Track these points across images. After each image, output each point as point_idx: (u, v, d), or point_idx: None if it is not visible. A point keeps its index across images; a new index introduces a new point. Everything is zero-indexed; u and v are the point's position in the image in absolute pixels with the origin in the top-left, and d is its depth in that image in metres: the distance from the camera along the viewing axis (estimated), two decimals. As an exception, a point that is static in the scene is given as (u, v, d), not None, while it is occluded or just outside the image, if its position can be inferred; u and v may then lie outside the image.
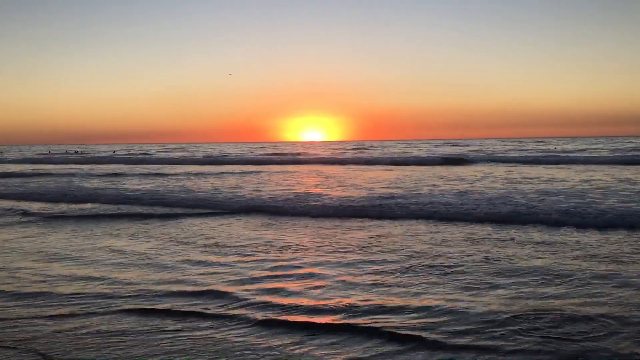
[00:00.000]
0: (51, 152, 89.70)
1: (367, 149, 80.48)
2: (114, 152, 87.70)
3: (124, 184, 24.82)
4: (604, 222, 12.56)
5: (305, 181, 25.39)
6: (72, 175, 32.49)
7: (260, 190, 20.51)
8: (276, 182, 24.65)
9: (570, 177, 24.92)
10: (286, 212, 15.49)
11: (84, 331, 6.09)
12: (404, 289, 7.41)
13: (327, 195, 18.52)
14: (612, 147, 62.64)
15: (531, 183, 21.81)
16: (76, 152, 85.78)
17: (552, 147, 71.59)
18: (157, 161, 54.01)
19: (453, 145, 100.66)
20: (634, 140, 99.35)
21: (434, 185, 21.48)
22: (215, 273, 8.51)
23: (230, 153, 73.15)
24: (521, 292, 7.22)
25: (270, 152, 75.88)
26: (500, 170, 32.00)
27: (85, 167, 43.80)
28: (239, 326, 6.19)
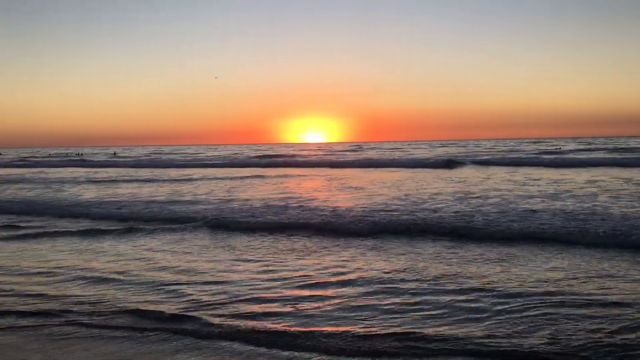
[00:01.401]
0: (51, 155, 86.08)
1: (361, 150, 78.80)
2: (115, 153, 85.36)
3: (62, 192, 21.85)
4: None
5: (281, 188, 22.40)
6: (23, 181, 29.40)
7: (230, 201, 17.45)
8: (256, 189, 21.70)
9: (576, 179, 21.91)
10: (252, 226, 12.48)
11: None
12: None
13: (301, 206, 15.55)
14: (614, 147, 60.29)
15: (537, 187, 18.84)
16: (78, 155, 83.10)
17: (552, 147, 69.21)
18: (150, 164, 50.94)
19: (442, 146, 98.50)
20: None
21: (436, 192, 18.36)
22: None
23: (218, 155, 69.55)
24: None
25: (269, 153, 73.32)
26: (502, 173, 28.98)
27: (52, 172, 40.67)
28: None
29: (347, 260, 8.80)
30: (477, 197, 16.02)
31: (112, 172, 37.51)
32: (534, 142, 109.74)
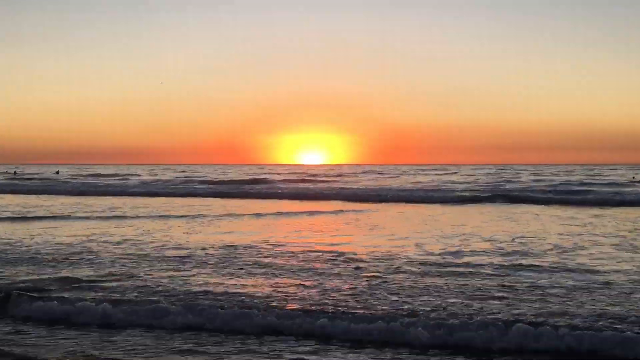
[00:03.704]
0: None
1: (379, 176, 68.65)
2: (57, 172, 76.18)
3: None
4: None
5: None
6: None
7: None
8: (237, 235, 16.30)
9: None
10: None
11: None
12: None
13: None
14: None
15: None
16: (14, 172, 74.85)
17: (625, 179, 54.71)
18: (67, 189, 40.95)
19: (475, 170, 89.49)
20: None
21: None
22: None
23: (178, 179, 59.31)
24: None
25: (259, 176, 66.11)
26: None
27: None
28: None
29: None
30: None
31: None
32: (588, 169, 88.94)
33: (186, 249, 13.12)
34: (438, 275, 10.07)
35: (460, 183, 49.96)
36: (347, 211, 23.93)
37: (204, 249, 13.06)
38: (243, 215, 21.89)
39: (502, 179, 56.99)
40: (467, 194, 34.83)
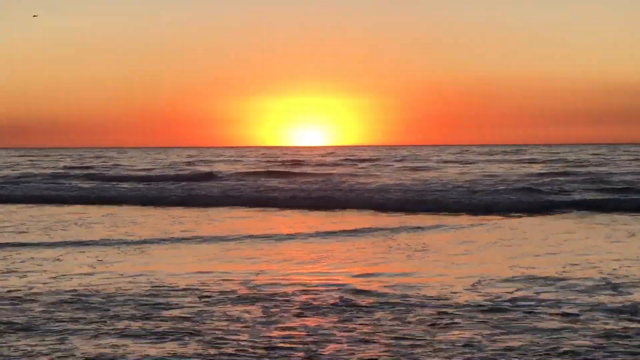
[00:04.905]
0: None
1: (417, 165, 45.71)
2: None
3: None
4: None
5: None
6: None
7: None
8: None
9: None
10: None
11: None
12: None
13: None
14: None
15: None
16: None
17: None
18: None
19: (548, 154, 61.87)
20: None
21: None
22: None
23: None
24: None
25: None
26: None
27: None
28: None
29: None
30: None
31: None
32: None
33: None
34: None
35: (559, 176, 32.14)
36: (381, 231, 14.10)
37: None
38: (166, 240, 12.81)
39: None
40: (581, 196, 22.30)
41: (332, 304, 7.03)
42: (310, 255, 11.14)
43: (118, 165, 50.13)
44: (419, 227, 14.82)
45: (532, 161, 48.83)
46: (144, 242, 12.42)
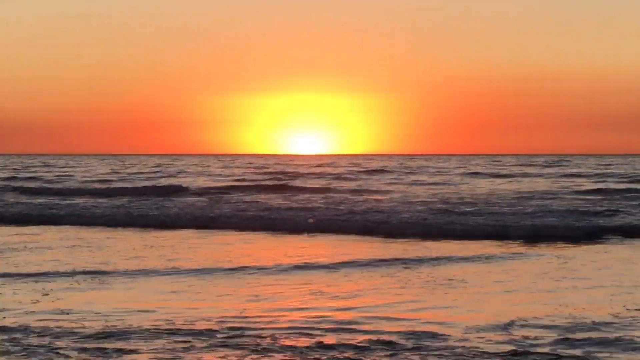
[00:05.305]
0: None
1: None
2: None
3: None
4: None
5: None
6: None
7: None
8: None
9: None
10: None
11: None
12: None
13: None
14: None
15: None
16: None
17: None
18: None
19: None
20: None
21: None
22: None
23: None
24: None
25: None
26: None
27: None
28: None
29: None
30: None
31: None
32: None
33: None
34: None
35: (615, 194, 26.97)
36: (394, 263, 11.51)
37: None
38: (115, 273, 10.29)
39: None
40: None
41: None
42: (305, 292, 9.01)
43: (70, 176, 44.47)
44: (442, 257, 12.44)
45: (578, 174, 43.02)
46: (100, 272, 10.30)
